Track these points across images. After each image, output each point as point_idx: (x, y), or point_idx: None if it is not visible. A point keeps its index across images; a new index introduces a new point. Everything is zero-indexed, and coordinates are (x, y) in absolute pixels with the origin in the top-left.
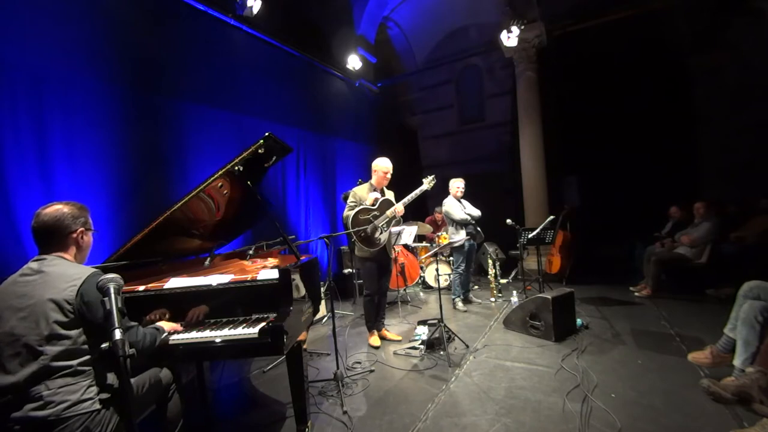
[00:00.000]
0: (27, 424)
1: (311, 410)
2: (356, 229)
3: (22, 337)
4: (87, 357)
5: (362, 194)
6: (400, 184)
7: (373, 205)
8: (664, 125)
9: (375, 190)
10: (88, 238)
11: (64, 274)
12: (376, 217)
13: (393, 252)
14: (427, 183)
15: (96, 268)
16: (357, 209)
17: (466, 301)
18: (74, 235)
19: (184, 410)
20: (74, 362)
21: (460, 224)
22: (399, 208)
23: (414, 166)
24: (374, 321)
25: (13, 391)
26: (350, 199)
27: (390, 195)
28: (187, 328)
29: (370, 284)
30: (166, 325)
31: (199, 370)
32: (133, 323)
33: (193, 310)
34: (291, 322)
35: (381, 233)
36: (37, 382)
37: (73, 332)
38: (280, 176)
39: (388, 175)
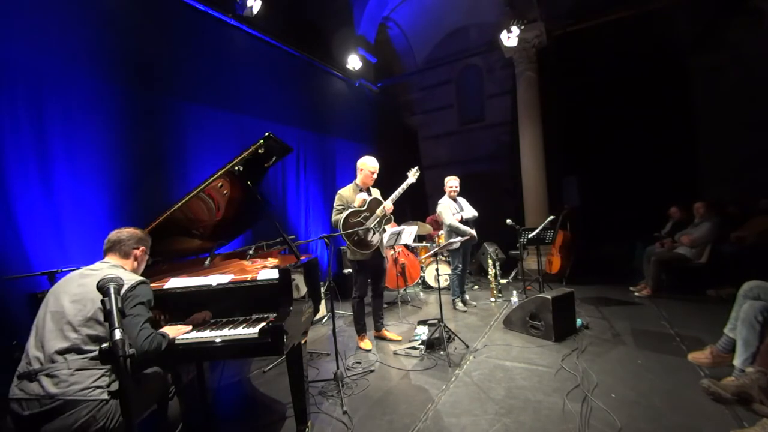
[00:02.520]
0: (38, 399)
1: (311, 410)
2: (348, 231)
3: (67, 315)
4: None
5: (348, 195)
6: (400, 184)
7: (361, 206)
8: (664, 125)
9: (361, 189)
10: (145, 259)
11: (122, 274)
12: (366, 219)
13: (386, 252)
14: (412, 175)
15: None
16: (346, 213)
17: (463, 301)
18: (137, 252)
19: (184, 410)
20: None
21: (450, 229)
22: (388, 205)
23: (414, 167)
24: (363, 324)
25: (40, 363)
26: (336, 202)
27: (376, 193)
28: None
29: (360, 286)
30: (171, 331)
31: (199, 370)
32: (150, 329)
33: (196, 316)
34: (291, 322)
35: (374, 234)
36: (61, 358)
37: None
38: (280, 176)
39: (375, 175)
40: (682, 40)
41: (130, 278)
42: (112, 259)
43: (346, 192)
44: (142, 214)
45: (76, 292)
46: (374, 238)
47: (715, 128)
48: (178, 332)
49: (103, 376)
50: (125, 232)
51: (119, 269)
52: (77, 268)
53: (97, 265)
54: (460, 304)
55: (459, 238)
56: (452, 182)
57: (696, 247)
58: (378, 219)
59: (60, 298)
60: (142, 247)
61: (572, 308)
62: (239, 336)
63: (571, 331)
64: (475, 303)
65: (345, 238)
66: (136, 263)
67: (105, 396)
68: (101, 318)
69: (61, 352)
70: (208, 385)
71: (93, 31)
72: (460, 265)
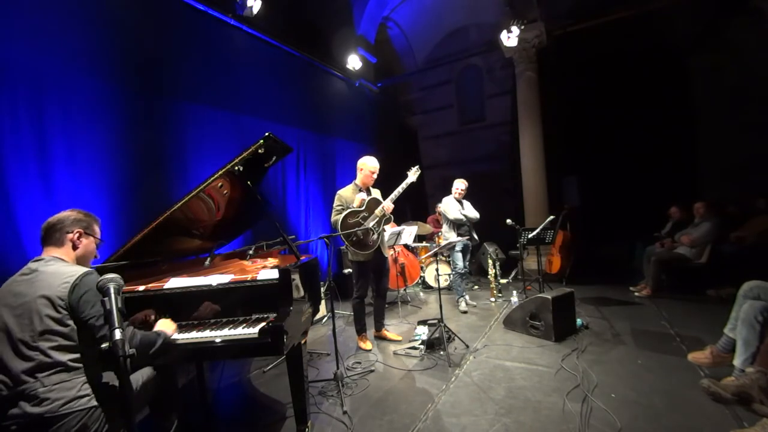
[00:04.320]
0: (24, 422)
1: (311, 410)
2: (346, 231)
3: (16, 333)
4: (79, 354)
5: (348, 195)
6: (400, 184)
7: (360, 206)
8: (664, 125)
9: (361, 189)
10: (88, 242)
11: (58, 272)
12: (365, 219)
13: (388, 252)
14: (413, 174)
15: (96, 268)
16: (345, 213)
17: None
18: (70, 236)
19: (179, 410)
20: (67, 357)
21: (454, 223)
22: (387, 205)
23: (414, 165)
24: (363, 324)
25: (9, 388)
26: (336, 202)
27: (376, 193)
28: (186, 327)
29: (360, 287)
30: (168, 327)
31: (199, 370)
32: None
33: (205, 305)
34: (291, 322)
35: (373, 234)
36: (32, 378)
37: (66, 328)
38: (280, 176)
39: (375, 175)
40: (682, 40)
41: (71, 272)
42: (48, 252)
43: (345, 192)
44: (142, 214)
45: (17, 304)
46: (374, 238)
47: (714, 128)
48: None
49: (85, 383)
50: (56, 216)
51: (57, 264)
52: None
53: (31, 264)
54: (463, 305)
55: (459, 238)
56: (458, 185)
57: (696, 247)
58: (377, 219)
59: (2, 314)
60: (77, 230)
61: (572, 308)
62: (239, 336)
63: (571, 331)
64: (475, 303)
65: (344, 239)
66: (73, 250)
67: (93, 403)
68: (54, 327)
69: (29, 372)
70: (208, 385)
71: (93, 31)
72: (460, 264)
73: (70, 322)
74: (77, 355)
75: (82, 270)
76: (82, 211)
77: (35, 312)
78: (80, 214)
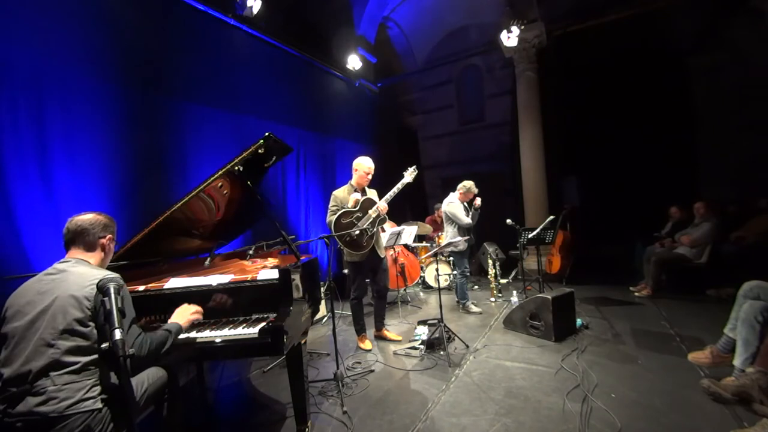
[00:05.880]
0: (29, 419)
1: (311, 410)
2: (339, 233)
3: (37, 330)
4: (96, 356)
5: (343, 196)
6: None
7: (354, 206)
8: (664, 125)
9: (356, 190)
10: (112, 248)
11: (86, 273)
12: (359, 219)
13: (384, 252)
14: (409, 175)
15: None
16: (338, 213)
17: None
18: (103, 241)
19: (181, 411)
20: (83, 359)
21: (463, 229)
22: (382, 205)
23: (411, 166)
24: (363, 324)
25: (20, 383)
26: (331, 203)
27: (372, 194)
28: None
29: (357, 287)
30: (182, 317)
31: (199, 370)
32: (137, 330)
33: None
34: (291, 322)
35: (367, 235)
36: (44, 376)
37: (87, 329)
38: (280, 176)
39: (370, 175)
40: (682, 40)
41: (98, 274)
42: (75, 254)
43: (341, 193)
44: (142, 213)
45: (42, 302)
46: (367, 239)
47: (715, 128)
48: (190, 320)
49: (93, 386)
50: (86, 220)
51: (83, 266)
52: None
53: (58, 265)
54: (474, 307)
55: (460, 239)
56: (469, 187)
57: (696, 247)
58: (371, 219)
59: (24, 311)
60: (109, 235)
61: (572, 308)
62: (239, 336)
63: (571, 331)
64: (475, 303)
65: (337, 239)
66: (102, 254)
67: (98, 405)
68: (76, 327)
69: (42, 370)
70: (208, 385)
71: (93, 30)
72: (468, 267)
73: (92, 323)
74: (92, 357)
75: (108, 273)
76: (107, 215)
77: (61, 310)
78: (107, 219)
